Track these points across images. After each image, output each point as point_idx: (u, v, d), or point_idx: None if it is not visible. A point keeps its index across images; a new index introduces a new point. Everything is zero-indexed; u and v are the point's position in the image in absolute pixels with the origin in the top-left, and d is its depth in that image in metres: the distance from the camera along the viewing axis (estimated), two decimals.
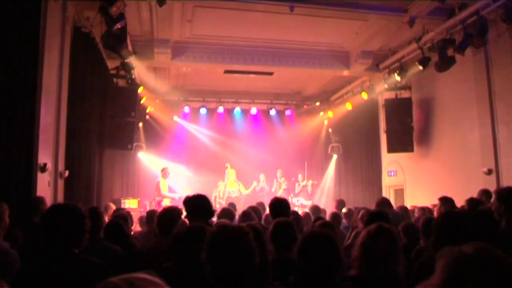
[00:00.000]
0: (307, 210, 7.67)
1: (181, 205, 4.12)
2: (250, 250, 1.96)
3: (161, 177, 11.09)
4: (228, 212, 4.99)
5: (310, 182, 13.04)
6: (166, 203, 10.65)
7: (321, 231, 2.48)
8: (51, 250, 2.37)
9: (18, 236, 3.58)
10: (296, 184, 12.82)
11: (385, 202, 6.26)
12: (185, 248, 2.57)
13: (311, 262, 2.25)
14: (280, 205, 4.28)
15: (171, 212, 3.90)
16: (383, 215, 3.65)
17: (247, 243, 1.97)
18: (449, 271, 1.09)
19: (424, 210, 6.63)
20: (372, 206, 9.82)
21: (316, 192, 13.24)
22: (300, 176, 12.88)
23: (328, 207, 11.50)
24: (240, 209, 9.64)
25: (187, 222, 3.72)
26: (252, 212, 4.90)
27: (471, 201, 5.18)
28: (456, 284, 1.07)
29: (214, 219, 5.36)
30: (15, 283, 2.33)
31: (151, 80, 11.11)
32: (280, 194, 11.92)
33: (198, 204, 3.69)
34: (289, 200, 11.92)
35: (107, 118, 9.14)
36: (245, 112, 13.62)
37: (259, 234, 2.72)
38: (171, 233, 3.41)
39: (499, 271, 1.06)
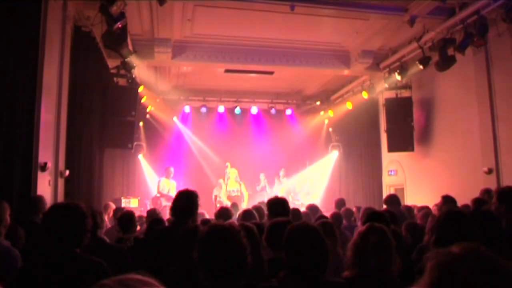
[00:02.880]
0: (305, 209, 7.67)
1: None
2: (241, 248, 1.96)
3: (164, 176, 11.14)
4: (225, 212, 5.00)
5: (311, 181, 13.05)
6: (163, 201, 10.70)
7: (305, 223, 2.48)
8: (52, 249, 2.37)
9: (21, 235, 3.59)
10: (296, 183, 12.83)
11: (391, 199, 6.36)
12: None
13: (297, 255, 2.24)
14: (278, 204, 4.27)
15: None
16: (380, 215, 3.63)
17: (238, 242, 1.96)
18: (436, 272, 1.08)
19: (424, 209, 6.62)
20: (372, 205, 9.88)
21: (316, 191, 13.24)
22: (300, 175, 12.88)
23: (328, 206, 11.50)
24: (241, 208, 9.68)
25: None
26: (254, 211, 4.90)
27: (476, 201, 5.21)
28: (444, 284, 1.06)
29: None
30: (16, 281, 2.34)
31: (151, 79, 11.11)
32: (282, 193, 11.94)
33: (183, 201, 3.69)
34: (289, 199, 12.00)
35: (108, 117, 9.14)
36: (246, 111, 13.61)
37: (252, 233, 2.72)
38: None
39: (487, 271, 1.05)
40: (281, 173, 12.88)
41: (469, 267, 1.05)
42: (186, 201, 3.66)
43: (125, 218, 4.76)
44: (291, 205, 5.18)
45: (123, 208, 8.32)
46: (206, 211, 7.36)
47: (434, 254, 1.13)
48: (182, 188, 11.42)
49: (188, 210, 3.63)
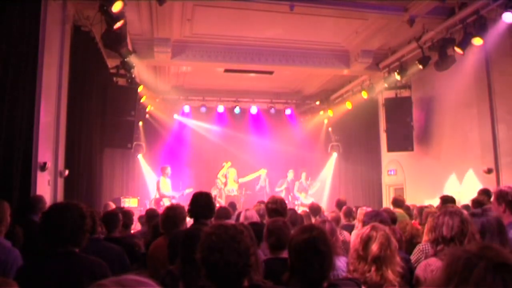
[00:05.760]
0: (306, 209, 7.68)
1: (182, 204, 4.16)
2: (244, 249, 1.93)
3: (162, 176, 11.11)
4: (224, 212, 5.00)
5: (318, 184, 13.09)
6: (165, 202, 10.70)
7: (311, 225, 2.47)
8: (51, 249, 2.37)
9: (19, 234, 3.59)
10: (296, 183, 12.83)
11: (395, 201, 6.57)
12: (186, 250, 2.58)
13: (301, 258, 2.23)
14: (276, 205, 4.28)
15: (174, 211, 3.92)
16: (381, 215, 3.63)
17: (241, 242, 1.94)
18: (453, 268, 1.11)
19: (422, 209, 6.66)
20: (372, 205, 9.89)
21: (315, 191, 13.24)
22: (303, 175, 12.90)
23: (328, 206, 11.52)
24: (240, 207, 9.70)
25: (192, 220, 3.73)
26: (254, 211, 4.90)
27: (475, 202, 5.24)
28: (460, 281, 1.07)
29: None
30: (16, 281, 2.34)
31: (151, 79, 11.11)
32: (284, 193, 12.00)
33: (203, 203, 3.72)
34: (289, 199, 12.02)
35: (107, 117, 9.14)
36: (245, 111, 13.60)
37: (249, 233, 2.72)
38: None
39: (503, 269, 1.07)
40: (290, 174, 12.84)
41: (486, 264, 1.07)
42: (204, 203, 3.69)
43: (108, 217, 4.62)
44: (290, 206, 5.20)
45: (123, 207, 8.33)
46: None
47: (450, 252, 1.14)
48: (181, 188, 11.42)
49: (207, 212, 3.67)
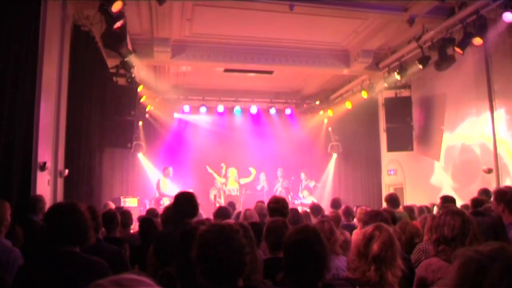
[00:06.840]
0: (307, 209, 7.68)
1: None
2: (239, 248, 1.93)
3: (163, 176, 11.16)
4: (223, 212, 5.00)
5: (313, 183, 13.09)
6: (165, 201, 10.72)
7: (306, 226, 2.47)
8: (53, 249, 2.37)
9: (19, 235, 3.59)
10: (300, 184, 12.85)
11: (391, 198, 6.41)
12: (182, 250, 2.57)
13: (295, 259, 2.22)
14: (278, 204, 4.28)
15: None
16: (382, 215, 3.62)
17: (237, 241, 1.94)
18: (465, 270, 1.08)
19: (423, 209, 6.65)
20: (372, 205, 9.90)
21: (316, 191, 13.25)
22: (302, 175, 12.89)
23: (328, 206, 11.50)
24: (240, 207, 9.70)
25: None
26: (255, 211, 4.91)
27: (474, 201, 5.23)
28: (473, 283, 1.06)
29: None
30: (17, 281, 2.34)
31: (151, 78, 11.10)
32: (279, 193, 11.96)
33: (186, 202, 3.74)
34: (289, 199, 12.02)
35: (107, 116, 9.14)
36: (245, 111, 13.59)
37: (247, 233, 2.72)
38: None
39: None
40: (279, 173, 12.84)
41: (500, 267, 1.04)
42: (186, 203, 3.70)
43: (107, 217, 4.57)
44: (290, 205, 5.19)
45: (122, 207, 8.33)
46: (205, 211, 7.36)
47: (461, 253, 1.12)
48: (181, 188, 11.50)
49: (189, 212, 3.67)
